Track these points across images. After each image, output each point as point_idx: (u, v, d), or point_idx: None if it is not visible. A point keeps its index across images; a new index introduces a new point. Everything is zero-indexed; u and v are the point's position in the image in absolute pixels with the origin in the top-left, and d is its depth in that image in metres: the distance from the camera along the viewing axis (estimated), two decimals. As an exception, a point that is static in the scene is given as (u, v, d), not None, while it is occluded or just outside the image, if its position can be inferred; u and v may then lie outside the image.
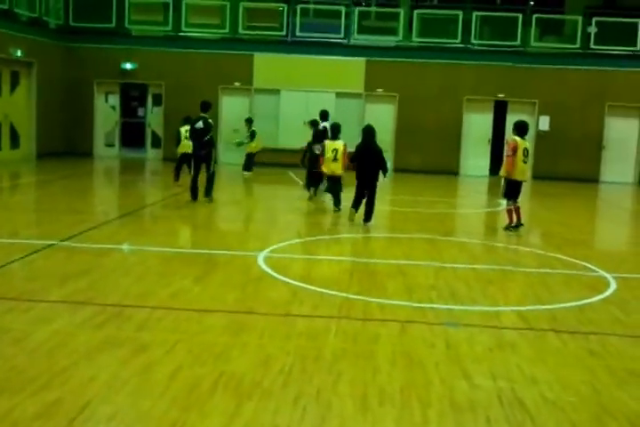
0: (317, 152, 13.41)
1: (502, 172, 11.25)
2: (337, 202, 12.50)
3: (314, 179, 13.90)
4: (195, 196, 12.96)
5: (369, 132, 11.36)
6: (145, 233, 10.27)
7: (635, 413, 4.39)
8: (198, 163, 13.08)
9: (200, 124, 12.94)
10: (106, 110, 23.42)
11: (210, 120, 13.13)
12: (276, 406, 4.23)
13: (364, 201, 11.35)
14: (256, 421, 4.04)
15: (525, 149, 11.02)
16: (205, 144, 12.86)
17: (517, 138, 11.04)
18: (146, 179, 19.85)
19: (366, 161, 11.08)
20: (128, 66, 22.49)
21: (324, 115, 15.03)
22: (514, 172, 11.00)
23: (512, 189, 11.13)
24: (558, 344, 5.72)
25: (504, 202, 11.60)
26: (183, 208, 12.74)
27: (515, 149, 10.90)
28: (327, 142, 12.61)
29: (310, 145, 14.37)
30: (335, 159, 12.34)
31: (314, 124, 14.98)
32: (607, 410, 4.41)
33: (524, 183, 11.44)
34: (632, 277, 8.30)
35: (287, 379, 4.66)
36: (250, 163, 18.68)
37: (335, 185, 12.60)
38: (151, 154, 23.36)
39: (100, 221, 10.75)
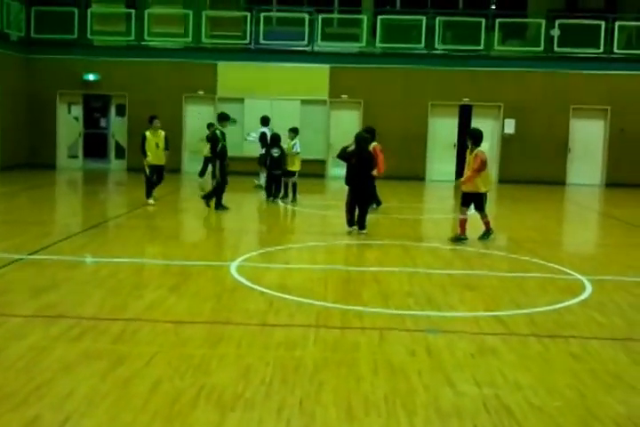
0: (276, 155, 14.68)
1: (470, 187, 10.52)
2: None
3: (274, 181, 15.01)
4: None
5: (363, 140, 11.17)
6: (115, 244, 10.08)
7: (621, 416, 4.38)
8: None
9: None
10: (69, 121, 23.11)
11: (217, 131, 13.61)
12: (259, 418, 4.16)
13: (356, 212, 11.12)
14: (240, 434, 3.96)
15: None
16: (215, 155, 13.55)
17: (482, 149, 10.55)
18: (111, 189, 19.56)
19: (358, 168, 10.95)
20: (91, 77, 22.23)
21: (265, 120, 17.31)
22: (481, 185, 10.52)
23: (468, 200, 10.66)
24: (540, 349, 5.71)
25: (475, 214, 10.95)
26: (152, 218, 12.58)
27: (485, 163, 10.36)
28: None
29: (269, 149, 15.16)
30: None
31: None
32: (594, 414, 4.39)
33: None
34: (606, 280, 8.35)
35: (269, 390, 4.59)
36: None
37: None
38: (115, 165, 23.07)
39: (69, 232, 10.53)
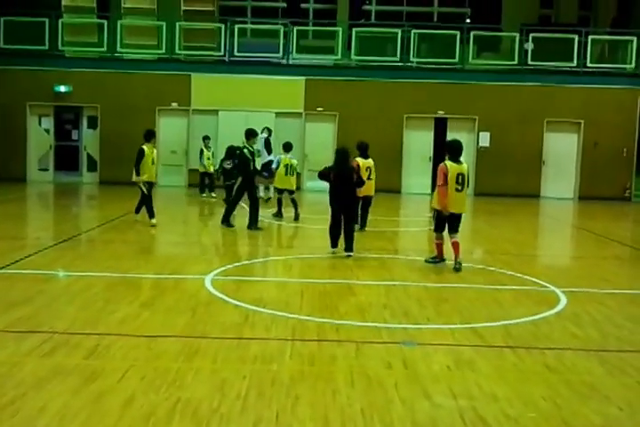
0: (227, 167, 14.97)
1: (434, 203, 9.59)
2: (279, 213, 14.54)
3: (229, 191, 14.94)
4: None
5: (343, 155, 10.47)
6: (88, 258, 9.96)
7: (596, 426, 4.40)
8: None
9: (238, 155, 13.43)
10: (39, 134, 22.80)
11: (245, 149, 13.11)
12: (236, 434, 4.11)
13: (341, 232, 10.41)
14: (217, 449, 3.92)
15: (459, 175, 9.11)
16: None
17: (448, 162, 9.16)
18: (84, 203, 19.36)
19: (341, 184, 10.24)
20: (62, 88, 22.00)
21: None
22: (448, 203, 9.19)
23: (441, 222, 9.52)
24: (515, 360, 5.72)
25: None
26: (125, 232, 12.45)
27: (446, 176, 9.04)
28: (282, 157, 14.40)
29: (222, 160, 15.69)
30: (290, 174, 14.34)
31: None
32: (569, 425, 4.41)
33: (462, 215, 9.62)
34: (580, 291, 8.42)
35: (245, 404, 4.55)
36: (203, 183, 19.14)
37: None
38: (87, 178, 22.78)
39: (40, 247, 10.37)
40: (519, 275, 9.22)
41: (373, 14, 27.99)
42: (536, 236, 15.26)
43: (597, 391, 5.04)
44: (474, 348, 5.99)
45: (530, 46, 22.08)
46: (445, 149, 9.68)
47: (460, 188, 9.15)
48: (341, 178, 10.25)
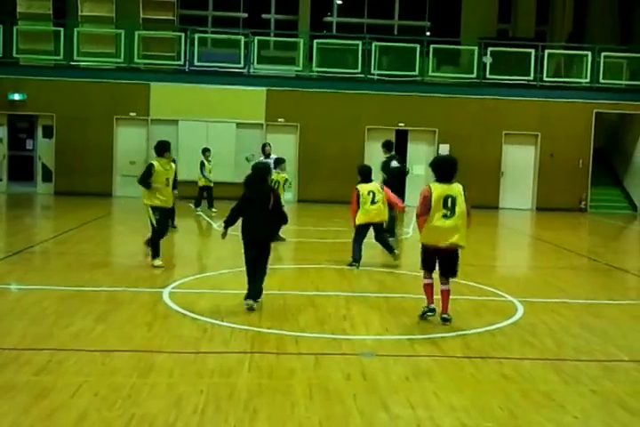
0: None
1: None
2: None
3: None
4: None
5: (259, 170, 7.86)
6: (40, 271, 9.76)
7: (553, 436, 4.42)
8: None
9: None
10: (-8, 143, 22.42)
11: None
12: (191, 449, 4.04)
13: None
14: (171, 467, 3.84)
15: (448, 198, 7.14)
16: None
17: (432, 184, 7.27)
18: (38, 214, 18.99)
19: (253, 211, 7.57)
20: (16, 96, 21.60)
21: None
22: (429, 233, 7.23)
23: (426, 258, 7.42)
24: (473, 370, 5.74)
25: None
26: (81, 244, 12.22)
27: (426, 200, 7.18)
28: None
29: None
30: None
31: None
32: (526, 435, 4.42)
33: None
34: (537, 302, 8.51)
35: (202, 419, 4.49)
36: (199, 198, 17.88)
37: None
38: (42, 188, 22.35)
39: (-9, 259, 10.14)
40: (478, 285, 9.29)
41: (335, 26, 28.15)
42: (494, 246, 15.41)
43: (553, 400, 5.08)
44: (432, 358, 6.00)
45: (488, 60, 22.43)
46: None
47: (447, 213, 7.10)
48: (252, 203, 7.61)
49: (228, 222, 7.71)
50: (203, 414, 4.54)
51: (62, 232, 13.41)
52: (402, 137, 22.78)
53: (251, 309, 7.40)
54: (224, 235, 7.79)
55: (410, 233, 15.55)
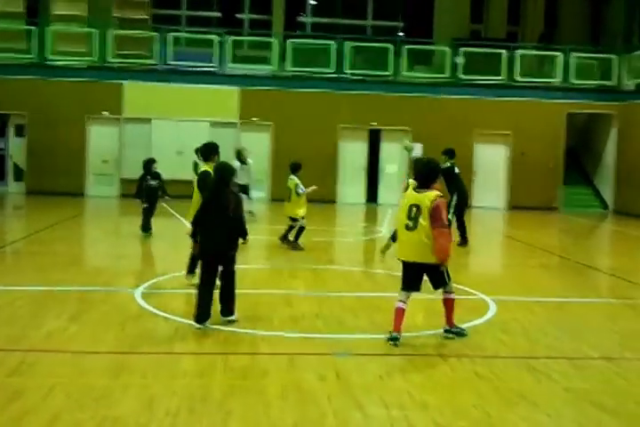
0: (153, 185, 13.04)
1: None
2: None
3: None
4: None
5: (223, 170, 6.98)
6: (12, 271, 9.63)
7: (525, 434, 4.47)
8: None
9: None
10: (-37, 142, 22.13)
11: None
12: (164, 451, 4.01)
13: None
14: (144, 469, 3.81)
15: (412, 207, 6.35)
16: None
17: (412, 183, 6.54)
18: (9, 214, 18.73)
19: (216, 217, 6.74)
20: (-13, 95, 21.34)
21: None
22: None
23: (404, 275, 6.62)
24: (446, 369, 5.78)
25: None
26: (53, 244, 12.09)
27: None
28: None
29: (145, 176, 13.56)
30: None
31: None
32: (499, 433, 4.46)
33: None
34: (509, 300, 8.58)
35: (174, 421, 4.46)
36: None
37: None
38: (13, 187, 22.06)
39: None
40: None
41: (309, 26, 28.14)
42: (468, 245, 15.46)
43: (525, 398, 5.13)
44: (406, 357, 6.04)
45: (460, 60, 22.60)
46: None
47: (410, 224, 6.29)
48: (214, 209, 6.77)
49: (196, 235, 6.89)
50: (176, 417, 4.51)
51: (34, 232, 13.26)
52: (375, 136, 22.86)
53: (231, 322, 6.82)
54: (195, 248, 6.98)
55: (382, 232, 15.58)
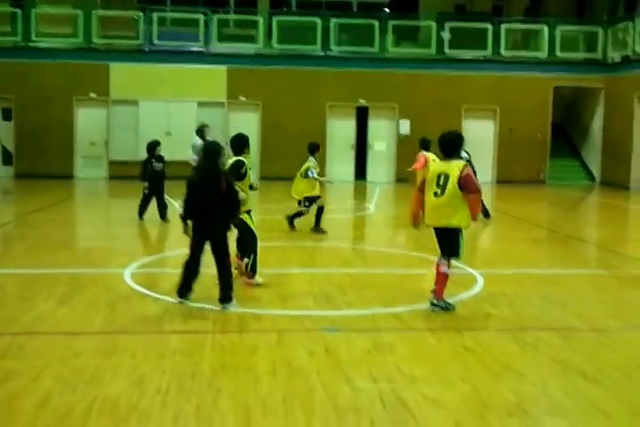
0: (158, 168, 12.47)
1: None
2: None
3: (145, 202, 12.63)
4: None
5: (211, 150, 6.84)
6: (2, 255, 9.65)
7: (512, 404, 4.53)
8: None
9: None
10: (-50, 127, 21.93)
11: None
12: (154, 428, 4.04)
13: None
14: (135, 446, 3.86)
15: (441, 176, 6.73)
16: None
17: (431, 155, 7.61)
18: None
19: (207, 197, 6.59)
20: (-27, 79, 21.16)
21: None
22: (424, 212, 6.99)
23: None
24: (434, 342, 5.84)
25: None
26: (43, 227, 12.07)
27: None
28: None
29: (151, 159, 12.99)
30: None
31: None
32: (485, 403, 4.52)
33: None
34: (496, 273, 8.65)
35: (165, 399, 4.49)
36: None
37: None
38: (2, 171, 21.93)
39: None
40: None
41: (294, 3, 27.87)
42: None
43: (511, 369, 5.19)
44: (394, 332, 6.08)
45: (446, 35, 22.49)
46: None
47: (438, 191, 6.68)
48: (204, 187, 6.62)
49: (187, 215, 6.68)
50: (166, 394, 4.54)
51: (24, 215, 13.24)
52: (362, 114, 22.80)
53: (225, 309, 6.63)
54: (187, 230, 6.73)
55: (371, 209, 15.64)
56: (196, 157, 12.03)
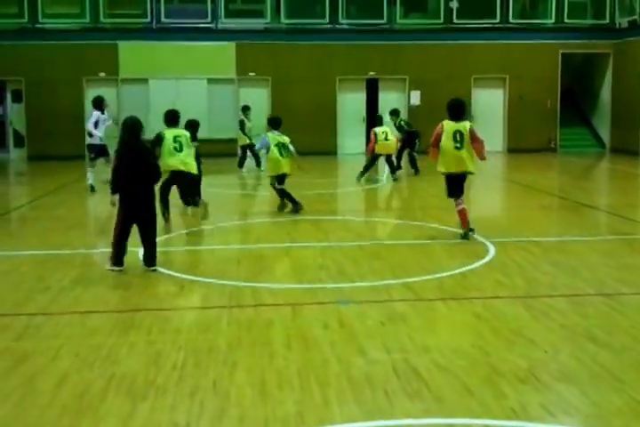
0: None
1: (440, 167, 8.78)
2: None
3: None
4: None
5: (131, 126, 7.28)
6: (16, 236, 9.77)
7: (523, 370, 4.57)
8: None
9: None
10: (-39, 110, 22.03)
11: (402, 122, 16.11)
12: (172, 403, 4.13)
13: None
14: (153, 420, 3.94)
15: (457, 133, 8.56)
16: None
17: (444, 121, 8.65)
18: (12, 180, 18.77)
19: (133, 172, 7.09)
20: (-18, 62, 21.17)
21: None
22: (446, 162, 8.61)
23: (450, 186, 8.82)
24: (446, 312, 5.89)
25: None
26: (56, 209, 12.15)
27: (438, 136, 8.54)
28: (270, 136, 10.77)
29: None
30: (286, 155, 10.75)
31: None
32: (497, 370, 4.57)
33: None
34: (508, 242, 8.63)
35: (181, 374, 4.56)
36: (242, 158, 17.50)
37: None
38: (14, 154, 22.04)
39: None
40: (449, 228, 9.35)
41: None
42: (466, 189, 15.46)
43: (523, 336, 5.23)
44: (407, 302, 6.13)
45: (455, 5, 22.26)
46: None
47: (458, 145, 8.43)
48: (131, 160, 7.11)
49: (116, 188, 7.12)
50: (182, 370, 4.61)
51: (37, 197, 13.34)
52: (373, 86, 22.65)
53: (151, 271, 7.19)
54: (114, 203, 7.19)
55: (383, 181, 15.64)
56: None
